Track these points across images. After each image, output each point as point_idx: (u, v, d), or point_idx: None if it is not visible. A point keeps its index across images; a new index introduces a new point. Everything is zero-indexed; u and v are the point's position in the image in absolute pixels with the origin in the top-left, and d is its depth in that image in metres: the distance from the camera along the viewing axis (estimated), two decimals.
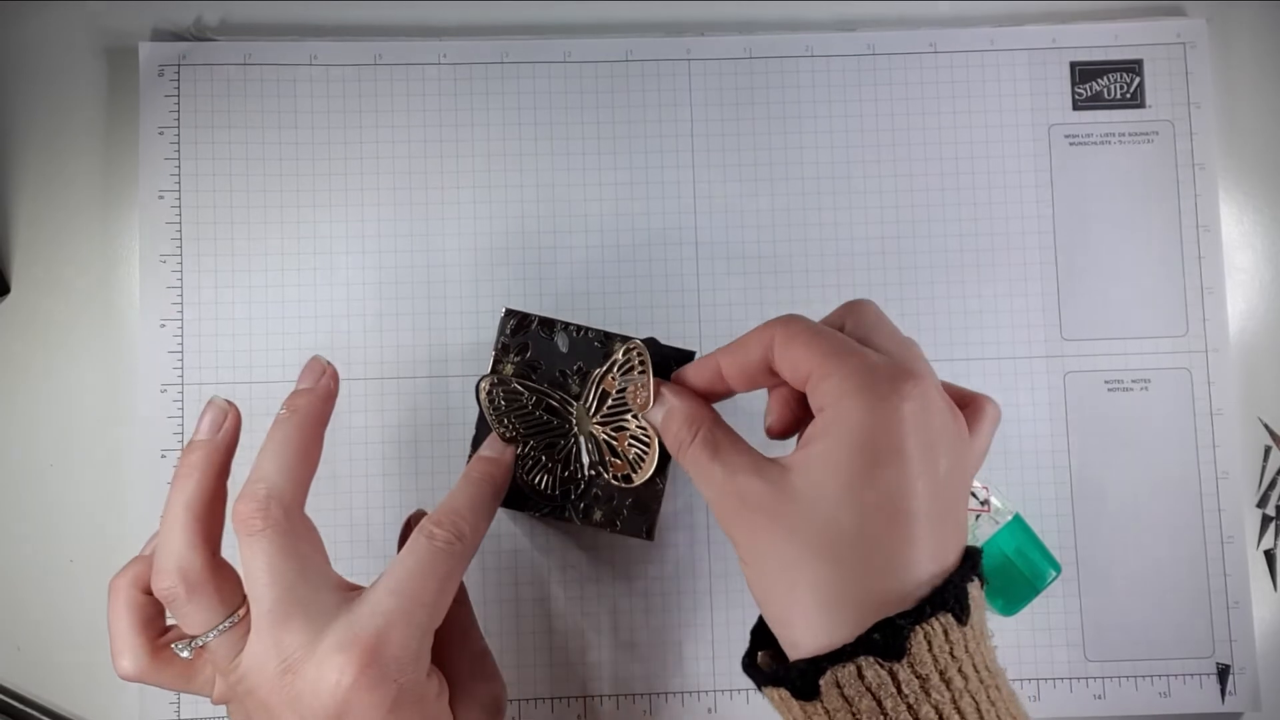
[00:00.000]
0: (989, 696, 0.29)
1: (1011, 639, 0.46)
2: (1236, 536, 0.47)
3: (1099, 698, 0.46)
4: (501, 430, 0.39)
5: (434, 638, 0.35)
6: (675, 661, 0.46)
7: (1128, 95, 0.49)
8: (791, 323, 0.33)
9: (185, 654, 0.34)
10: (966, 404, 0.36)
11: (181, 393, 0.46)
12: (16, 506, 0.46)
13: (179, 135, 0.47)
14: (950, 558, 0.31)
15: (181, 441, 0.46)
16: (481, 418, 0.40)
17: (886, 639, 0.28)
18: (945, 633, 0.29)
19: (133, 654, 0.35)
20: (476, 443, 0.40)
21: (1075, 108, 0.49)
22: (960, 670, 0.29)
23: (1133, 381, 0.48)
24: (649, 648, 0.46)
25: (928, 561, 0.30)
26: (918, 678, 0.28)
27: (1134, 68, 0.49)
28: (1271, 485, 0.48)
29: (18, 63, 0.48)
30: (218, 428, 0.36)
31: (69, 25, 0.48)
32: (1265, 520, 0.48)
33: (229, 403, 0.37)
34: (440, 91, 0.48)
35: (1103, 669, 0.46)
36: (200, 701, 0.45)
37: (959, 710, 0.28)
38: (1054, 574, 0.44)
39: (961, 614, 0.29)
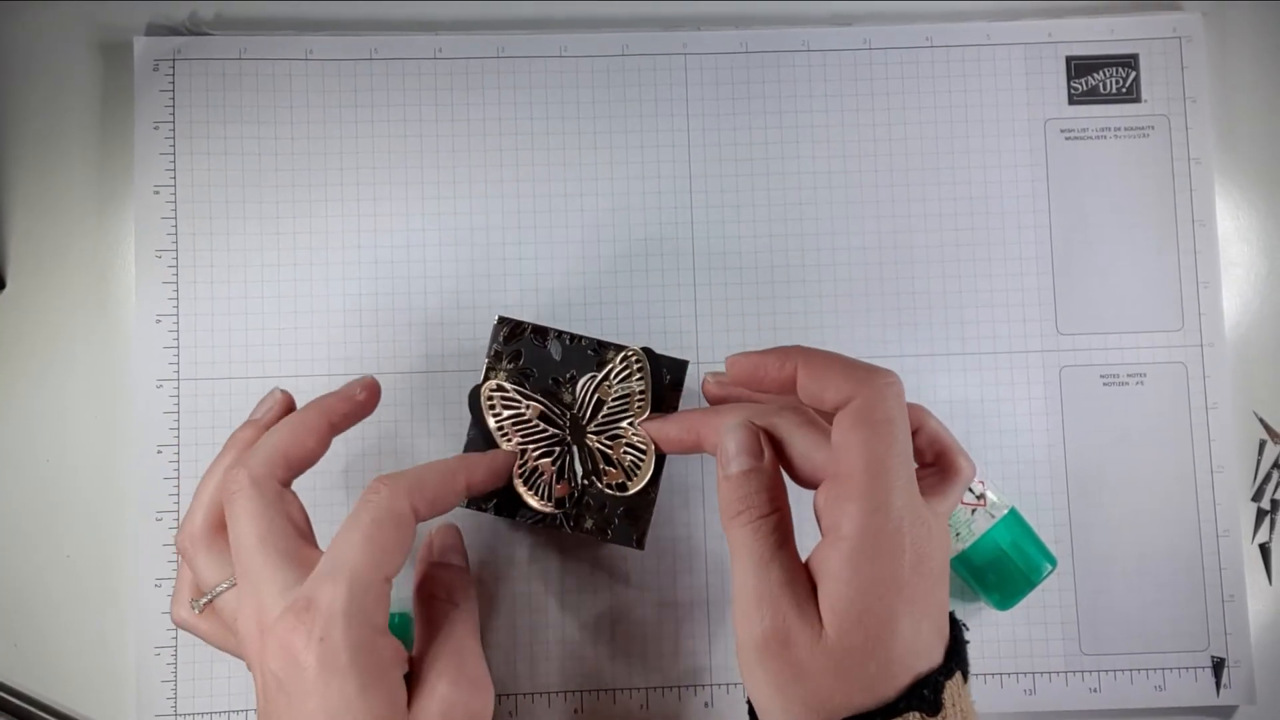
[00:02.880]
0: None
1: (1007, 633, 0.46)
2: (1231, 530, 0.47)
3: (1094, 691, 0.46)
4: (500, 438, 0.39)
5: (425, 644, 0.36)
6: (671, 656, 0.46)
7: (1123, 90, 0.49)
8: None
9: (196, 610, 0.37)
10: (943, 460, 0.38)
11: (177, 388, 0.46)
12: (13, 502, 0.46)
13: (174, 130, 0.47)
14: (937, 656, 0.32)
15: (178, 436, 0.46)
16: (474, 426, 0.40)
17: (933, 694, 0.31)
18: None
19: (180, 603, 0.39)
20: (468, 450, 0.40)
21: (1071, 102, 0.49)
22: None
23: (1128, 376, 0.48)
24: (645, 642, 0.46)
25: (921, 669, 0.32)
26: None
27: (1130, 62, 0.49)
28: (1266, 479, 0.48)
29: (13, 58, 0.48)
30: (265, 411, 0.40)
31: (64, 20, 0.48)
32: (1260, 514, 0.48)
33: (283, 392, 0.40)
34: (436, 86, 0.48)
35: (1098, 662, 0.46)
36: (198, 695, 0.45)
37: None
38: (1050, 568, 0.44)
39: (932, 709, 0.31)
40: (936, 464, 0.38)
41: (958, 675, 0.32)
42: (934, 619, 0.32)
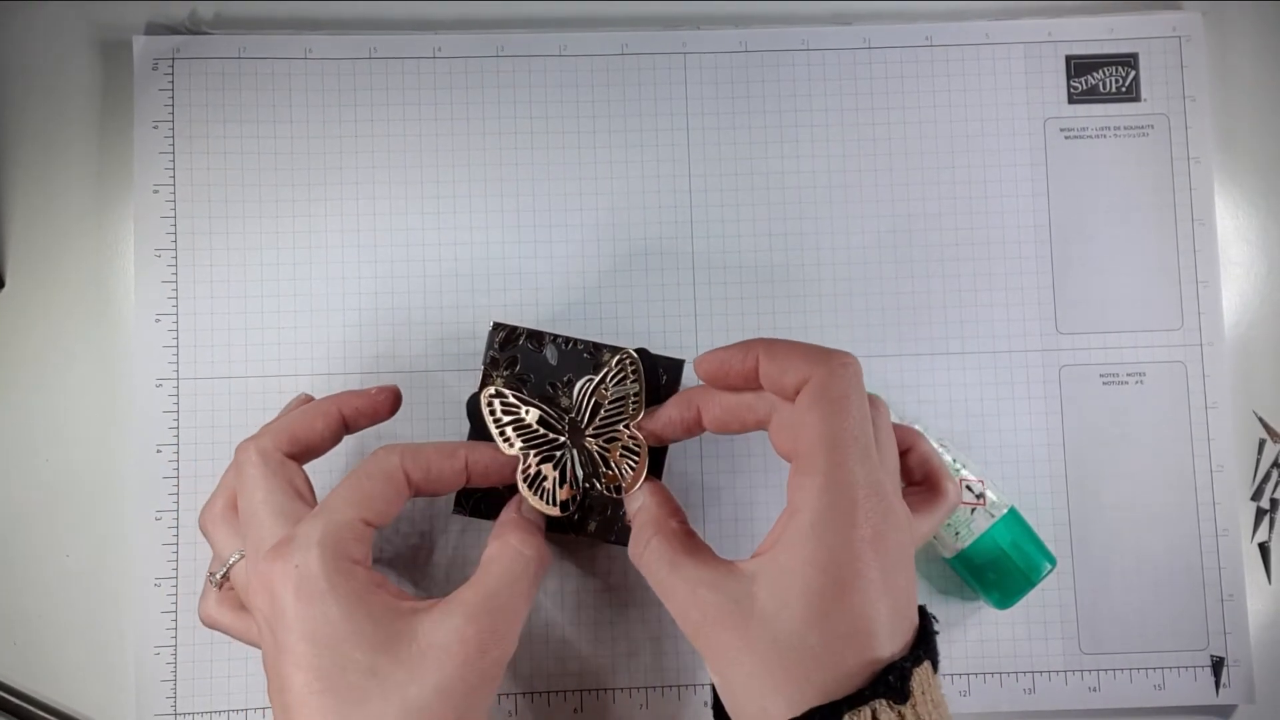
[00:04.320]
0: None
1: (1007, 632, 0.46)
2: (1231, 529, 0.47)
3: (1094, 690, 0.46)
4: (501, 444, 0.39)
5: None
6: (671, 655, 0.46)
7: (1123, 89, 0.49)
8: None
9: (215, 584, 0.39)
10: (930, 481, 0.38)
11: (176, 387, 0.46)
12: (11, 501, 0.46)
13: (173, 129, 0.47)
14: (900, 642, 0.32)
15: (177, 436, 0.46)
16: (472, 434, 0.40)
17: (899, 680, 0.31)
18: (873, 714, 0.30)
19: (206, 602, 0.40)
20: None
21: (1070, 101, 0.49)
22: None
23: (1128, 375, 0.48)
24: (645, 642, 0.46)
25: (883, 654, 0.31)
26: None
27: (1129, 61, 0.49)
28: (1266, 478, 0.48)
29: (12, 57, 0.48)
30: (289, 410, 0.41)
31: (63, 20, 0.48)
32: (1260, 513, 0.48)
33: (307, 396, 0.42)
34: (436, 85, 0.48)
35: (1097, 661, 0.46)
36: (197, 694, 0.45)
37: None
38: (1049, 567, 0.44)
39: (899, 697, 0.30)
40: (924, 484, 0.39)
41: (927, 664, 0.32)
42: (894, 602, 0.32)
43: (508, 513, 0.39)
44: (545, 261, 0.47)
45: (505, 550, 0.37)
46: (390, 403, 0.40)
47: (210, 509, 0.39)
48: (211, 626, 0.40)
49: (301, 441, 0.38)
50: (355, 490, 0.35)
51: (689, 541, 0.35)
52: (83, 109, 0.48)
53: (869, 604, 0.31)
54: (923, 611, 0.34)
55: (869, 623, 0.31)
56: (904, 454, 0.38)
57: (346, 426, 0.40)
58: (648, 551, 0.35)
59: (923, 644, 0.32)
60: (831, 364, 0.33)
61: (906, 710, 0.30)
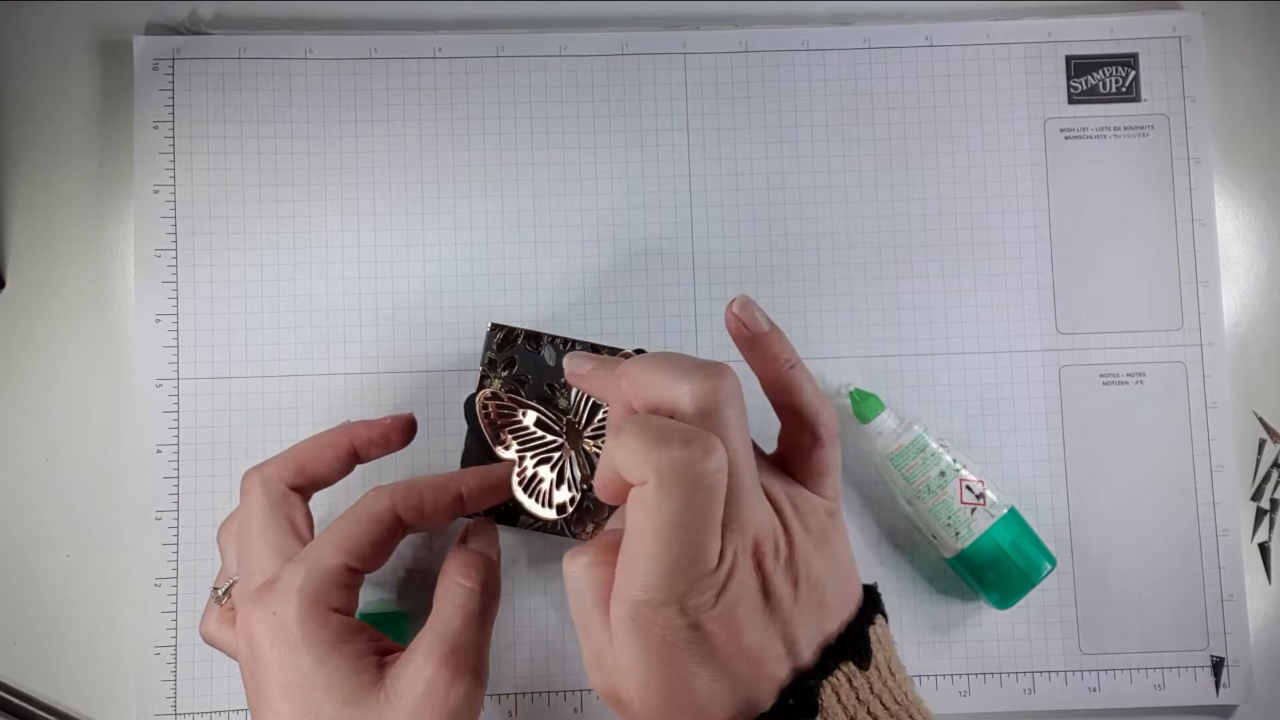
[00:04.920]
0: None
1: (1007, 632, 0.46)
2: (1231, 530, 0.47)
3: (1094, 690, 0.46)
4: (499, 447, 0.39)
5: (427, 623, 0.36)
6: None
7: (1123, 89, 0.49)
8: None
9: (218, 600, 0.39)
10: (801, 417, 0.34)
11: (176, 387, 0.46)
12: (12, 501, 0.46)
13: (174, 129, 0.47)
14: (849, 608, 0.32)
15: (177, 436, 0.46)
16: (470, 435, 0.40)
17: (801, 701, 0.30)
18: (849, 680, 0.30)
19: (204, 616, 0.40)
20: (465, 459, 0.40)
21: (1071, 101, 0.49)
22: (870, 711, 0.30)
23: (1128, 375, 0.48)
24: None
25: (828, 624, 0.31)
26: None
27: (1129, 61, 0.49)
28: (1266, 478, 0.48)
29: (12, 57, 0.48)
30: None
31: (64, 20, 0.48)
32: (1260, 513, 0.48)
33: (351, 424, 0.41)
34: (436, 85, 0.48)
35: (1097, 661, 0.46)
36: (197, 694, 0.45)
37: None
38: (1049, 567, 0.44)
39: (862, 659, 0.31)
40: (805, 430, 0.34)
41: (848, 666, 0.31)
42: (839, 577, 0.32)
43: (454, 547, 0.39)
44: (545, 261, 0.47)
45: (450, 587, 0.36)
46: (403, 432, 0.40)
47: (227, 525, 0.40)
48: (211, 644, 0.40)
49: (308, 473, 0.38)
50: (341, 534, 0.35)
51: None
52: (83, 109, 0.48)
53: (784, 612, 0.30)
54: (869, 590, 0.34)
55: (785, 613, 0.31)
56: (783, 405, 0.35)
57: (357, 457, 0.39)
58: (584, 573, 0.32)
59: (869, 603, 0.33)
60: (701, 381, 0.30)
61: (873, 675, 0.31)
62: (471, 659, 0.35)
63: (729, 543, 0.29)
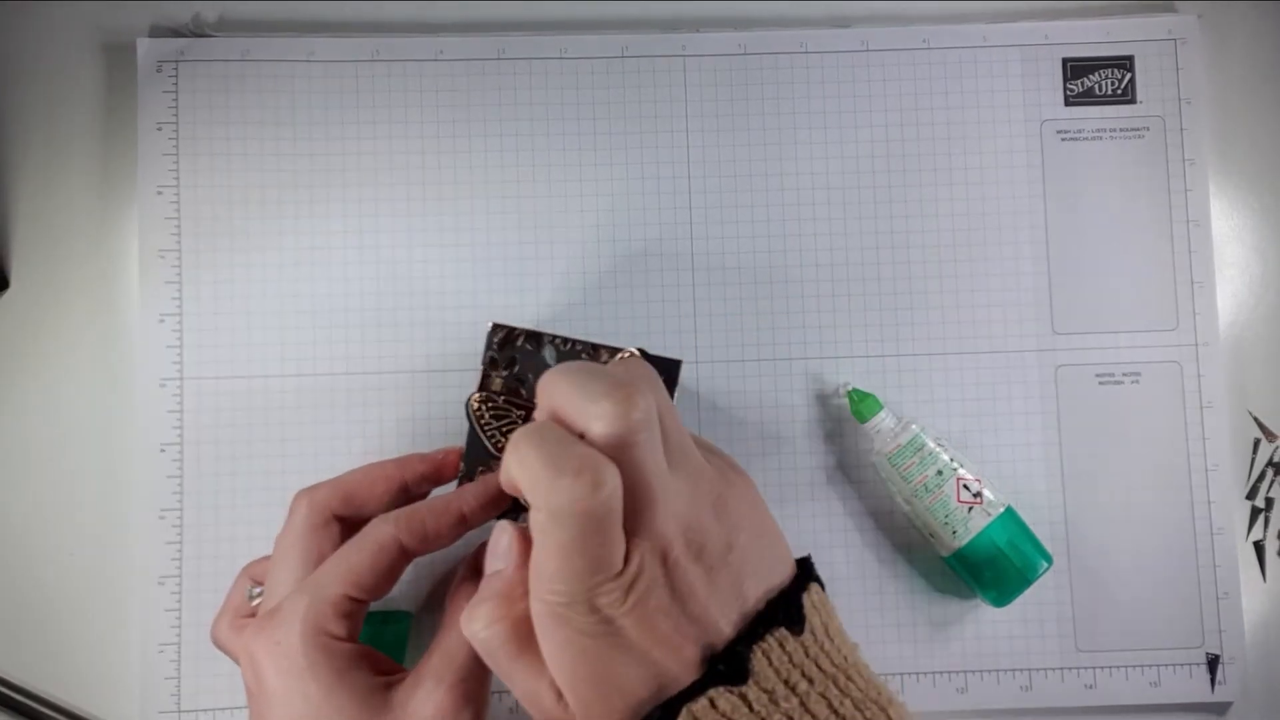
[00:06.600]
0: (839, 688, 0.30)
1: (1004, 629, 0.47)
2: (1226, 528, 0.47)
3: (1090, 687, 0.46)
4: (496, 447, 0.39)
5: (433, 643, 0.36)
6: None
7: (1119, 91, 0.49)
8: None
9: (249, 598, 0.39)
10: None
11: (180, 387, 0.46)
12: (16, 500, 0.47)
13: (177, 131, 0.47)
14: (779, 575, 0.32)
15: (181, 435, 0.46)
16: (471, 434, 0.40)
17: (730, 667, 0.30)
18: (781, 644, 0.30)
19: (218, 619, 0.40)
20: (467, 458, 0.40)
21: (1067, 103, 0.49)
22: (805, 674, 0.30)
23: (1123, 375, 0.48)
24: None
25: (751, 595, 0.31)
26: (765, 693, 0.29)
27: (1125, 64, 0.49)
28: (1260, 477, 0.48)
29: (16, 60, 0.48)
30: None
31: (67, 22, 0.48)
32: (1254, 512, 0.48)
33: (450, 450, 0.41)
34: (437, 88, 0.48)
35: (1093, 659, 0.47)
36: (200, 692, 0.45)
37: (809, 712, 0.29)
38: (1045, 565, 0.44)
39: (795, 624, 0.31)
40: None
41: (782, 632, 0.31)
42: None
43: (460, 570, 0.39)
44: (545, 262, 0.48)
45: (458, 612, 0.36)
46: (455, 465, 0.40)
47: (280, 536, 0.39)
48: (220, 648, 0.40)
49: (356, 503, 0.38)
50: (344, 564, 0.35)
51: (529, 628, 0.31)
52: (87, 111, 0.48)
53: (695, 580, 0.30)
54: (803, 561, 0.34)
55: (695, 591, 0.30)
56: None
57: (407, 490, 0.39)
58: (487, 635, 0.31)
59: (803, 572, 0.33)
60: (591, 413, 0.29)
61: (808, 640, 0.31)
62: (478, 687, 0.36)
63: (635, 548, 0.29)
